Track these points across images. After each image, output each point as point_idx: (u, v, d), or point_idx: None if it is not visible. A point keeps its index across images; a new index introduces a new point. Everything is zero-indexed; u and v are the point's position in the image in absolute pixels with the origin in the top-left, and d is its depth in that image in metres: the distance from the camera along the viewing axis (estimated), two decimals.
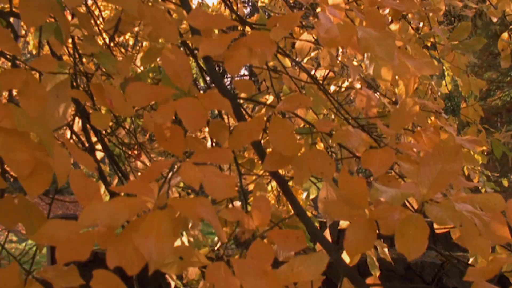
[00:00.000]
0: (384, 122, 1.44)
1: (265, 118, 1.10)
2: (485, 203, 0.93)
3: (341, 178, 1.08)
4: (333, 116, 2.09)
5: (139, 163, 2.41)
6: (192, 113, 0.96)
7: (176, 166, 0.93)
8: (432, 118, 2.00)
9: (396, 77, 1.62)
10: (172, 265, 1.10)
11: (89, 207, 0.74)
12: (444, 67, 2.93)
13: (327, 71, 1.88)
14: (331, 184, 1.19)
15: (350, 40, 1.02)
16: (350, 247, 0.97)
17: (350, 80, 2.14)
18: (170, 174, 0.91)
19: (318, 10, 1.24)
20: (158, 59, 1.35)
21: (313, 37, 1.84)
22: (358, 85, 1.82)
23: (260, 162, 1.60)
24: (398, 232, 0.90)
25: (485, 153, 3.22)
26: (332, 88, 2.15)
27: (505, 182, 3.70)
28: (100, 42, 1.68)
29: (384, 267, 2.63)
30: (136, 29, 1.71)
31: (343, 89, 2.14)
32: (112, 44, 1.32)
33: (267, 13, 3.23)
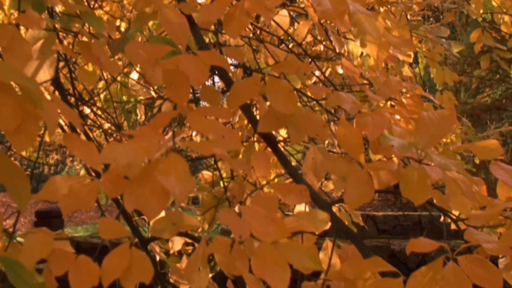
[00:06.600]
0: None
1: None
2: (482, 150, 0.98)
3: (339, 129, 1.07)
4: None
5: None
6: (195, 67, 0.94)
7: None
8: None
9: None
10: (165, 231, 1.07)
11: (108, 147, 0.71)
12: (418, 55, 2.98)
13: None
14: (320, 147, 1.20)
15: (344, 14, 1.05)
16: (350, 200, 0.99)
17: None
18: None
19: None
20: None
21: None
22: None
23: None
24: (403, 181, 0.93)
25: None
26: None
27: (477, 160, 3.96)
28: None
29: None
30: None
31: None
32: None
33: None
